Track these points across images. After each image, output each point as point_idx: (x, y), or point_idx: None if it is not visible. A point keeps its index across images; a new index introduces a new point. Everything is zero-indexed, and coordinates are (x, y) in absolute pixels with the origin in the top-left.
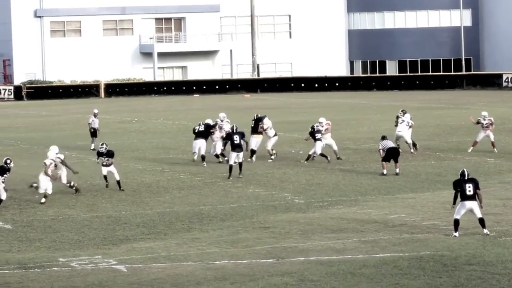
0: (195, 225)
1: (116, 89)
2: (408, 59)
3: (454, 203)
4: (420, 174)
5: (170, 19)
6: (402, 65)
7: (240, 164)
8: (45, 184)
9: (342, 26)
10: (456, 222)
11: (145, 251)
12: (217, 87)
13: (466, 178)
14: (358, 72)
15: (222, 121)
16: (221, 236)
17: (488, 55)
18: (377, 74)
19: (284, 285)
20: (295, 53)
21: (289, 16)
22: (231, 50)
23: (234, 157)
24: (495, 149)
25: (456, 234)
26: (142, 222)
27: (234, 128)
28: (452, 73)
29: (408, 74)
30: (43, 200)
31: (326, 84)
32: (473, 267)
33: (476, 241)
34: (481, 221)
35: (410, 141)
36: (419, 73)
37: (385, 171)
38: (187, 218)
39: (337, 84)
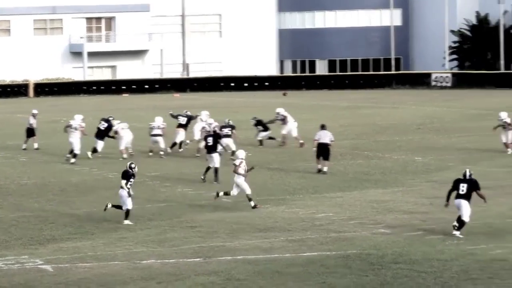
0: (122, 225)
1: (45, 89)
2: (338, 59)
3: (447, 200)
4: (348, 173)
5: (100, 18)
6: (332, 65)
7: (215, 170)
8: None
9: (273, 25)
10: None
11: (72, 251)
12: (146, 86)
13: (464, 178)
14: (288, 72)
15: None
16: (148, 236)
17: (418, 54)
18: (307, 74)
19: (211, 284)
20: (225, 53)
21: (220, 15)
22: (161, 50)
23: (209, 160)
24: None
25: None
26: (69, 222)
27: (212, 129)
28: (382, 72)
29: (338, 73)
30: None
31: (256, 84)
32: (400, 266)
33: (402, 239)
34: (461, 223)
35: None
36: (349, 73)
37: (319, 166)
38: (114, 218)
39: (266, 83)
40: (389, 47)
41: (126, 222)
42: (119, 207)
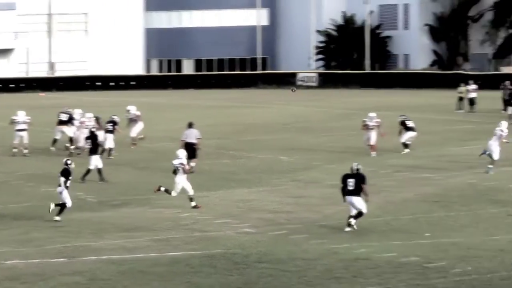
0: None
1: None
2: (204, 58)
3: (343, 196)
4: (214, 172)
5: None
6: (198, 64)
7: (99, 170)
8: None
9: (140, 24)
10: (350, 217)
11: None
12: (12, 85)
13: (351, 173)
14: (155, 71)
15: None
16: (12, 236)
17: (284, 54)
18: (174, 73)
19: (75, 285)
20: (92, 52)
21: (86, 14)
22: (27, 49)
23: (90, 161)
24: None
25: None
26: None
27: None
28: (248, 72)
29: (204, 73)
30: None
31: (122, 83)
32: (264, 265)
33: (267, 239)
34: (358, 214)
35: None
36: (215, 72)
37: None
38: None
39: (133, 82)
40: (255, 47)
41: (57, 218)
42: (62, 205)
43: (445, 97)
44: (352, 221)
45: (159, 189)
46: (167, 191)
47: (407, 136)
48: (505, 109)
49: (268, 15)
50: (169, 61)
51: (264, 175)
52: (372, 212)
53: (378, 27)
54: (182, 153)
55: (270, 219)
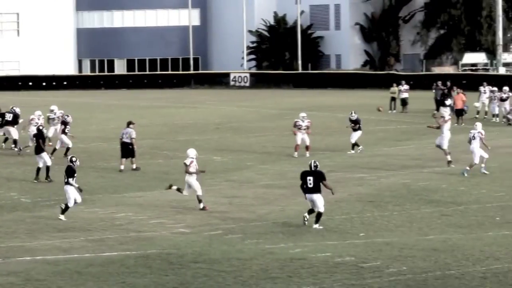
0: None
1: None
2: (136, 58)
3: (305, 194)
4: (148, 172)
5: None
6: (130, 64)
7: (47, 168)
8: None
9: (71, 24)
10: (310, 211)
11: None
12: None
13: (310, 170)
14: (87, 71)
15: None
16: None
17: (216, 54)
18: (106, 73)
19: (10, 285)
20: (23, 52)
21: (17, 14)
22: None
23: (38, 160)
24: None
25: (306, 215)
26: None
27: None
28: (181, 72)
29: (136, 73)
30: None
31: (54, 83)
32: (199, 265)
33: (202, 239)
34: (318, 215)
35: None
36: (147, 72)
37: (122, 167)
38: None
39: (65, 82)
40: (187, 47)
41: (61, 217)
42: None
43: (377, 98)
44: (316, 226)
45: (170, 187)
46: (179, 190)
47: (357, 136)
48: (437, 110)
49: (199, 15)
50: (101, 61)
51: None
52: (303, 213)
53: (309, 27)
54: (192, 152)
55: (205, 219)
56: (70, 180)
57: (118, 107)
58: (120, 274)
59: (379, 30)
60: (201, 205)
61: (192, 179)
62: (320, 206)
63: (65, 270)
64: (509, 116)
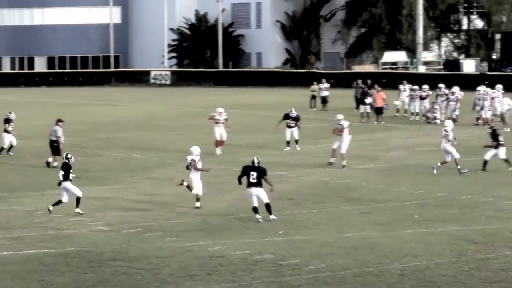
0: None
1: None
2: (57, 56)
3: (239, 183)
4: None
5: None
6: (51, 62)
7: None
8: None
9: None
10: (255, 209)
11: None
12: None
13: (253, 165)
14: (7, 68)
15: None
16: None
17: (137, 52)
18: (26, 71)
19: None
20: None
21: None
22: None
23: None
24: None
25: (258, 216)
26: None
27: None
28: (101, 69)
29: (56, 70)
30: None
31: None
32: (118, 263)
33: (121, 236)
34: (267, 206)
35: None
36: (68, 70)
37: (55, 164)
38: None
39: None
40: (108, 45)
41: (78, 210)
42: (59, 202)
43: (298, 96)
44: (271, 216)
45: (181, 183)
46: (189, 188)
47: (295, 133)
48: (357, 108)
49: (121, 13)
50: (21, 59)
51: (118, 173)
52: (225, 210)
53: (230, 25)
54: (196, 150)
55: (125, 217)
56: (61, 174)
57: (38, 105)
58: (38, 272)
59: (300, 29)
60: (198, 204)
61: (196, 177)
62: (265, 198)
63: None
64: (428, 114)
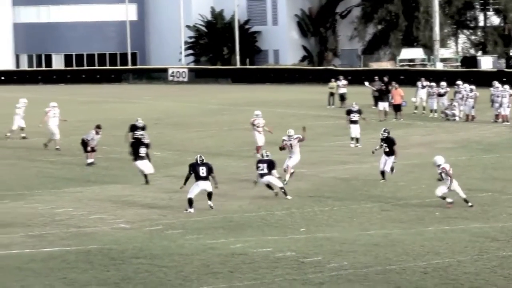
0: None
1: None
2: (74, 53)
3: (185, 183)
4: (87, 168)
5: None
6: (68, 59)
7: None
8: None
9: (8, 19)
10: (190, 200)
11: None
12: None
13: (199, 162)
14: (24, 66)
15: None
16: None
17: (154, 49)
18: (43, 68)
19: None
20: None
21: None
22: None
23: None
24: None
25: (191, 210)
26: None
27: None
28: (119, 67)
29: (74, 68)
30: None
31: None
32: (140, 260)
33: (143, 234)
34: (209, 195)
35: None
36: (85, 67)
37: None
38: None
39: (2, 78)
40: (125, 42)
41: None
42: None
43: (315, 93)
44: (209, 202)
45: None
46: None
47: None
48: (375, 105)
49: (137, 10)
50: (39, 56)
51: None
52: (246, 208)
53: (246, 22)
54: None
55: (145, 215)
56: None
57: (57, 102)
58: (61, 270)
59: (316, 25)
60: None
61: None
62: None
63: (5, 266)
64: (447, 111)
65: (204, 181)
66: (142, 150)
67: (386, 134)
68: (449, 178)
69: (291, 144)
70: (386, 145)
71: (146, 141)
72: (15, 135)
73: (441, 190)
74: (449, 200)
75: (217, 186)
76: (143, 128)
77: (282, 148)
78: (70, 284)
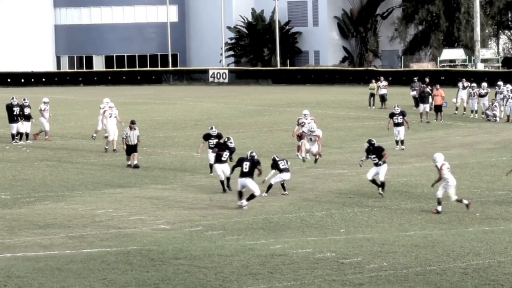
0: None
1: None
2: (115, 55)
3: (231, 172)
4: (127, 169)
5: None
6: (109, 61)
7: None
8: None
9: (49, 21)
10: (240, 193)
11: None
12: None
13: (247, 157)
14: (65, 67)
15: None
16: None
17: (194, 50)
18: (84, 70)
19: None
20: (1, 48)
21: None
22: None
23: None
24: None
25: (241, 202)
26: None
27: None
28: (159, 68)
29: (115, 69)
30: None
31: (33, 80)
32: (180, 261)
33: (183, 235)
34: (251, 196)
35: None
36: (126, 69)
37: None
38: None
39: (43, 79)
40: (166, 43)
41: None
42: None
43: (356, 94)
44: (244, 202)
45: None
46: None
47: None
48: (416, 106)
49: (177, 11)
50: (80, 58)
51: (178, 171)
52: (286, 208)
53: (287, 23)
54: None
55: (185, 216)
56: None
57: (97, 104)
58: (101, 271)
59: (357, 26)
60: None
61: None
62: (255, 188)
63: (46, 266)
64: (488, 112)
65: (244, 178)
66: (225, 154)
67: (371, 146)
68: (442, 176)
69: (310, 139)
70: (374, 155)
71: (231, 145)
72: (99, 136)
73: (440, 192)
74: (439, 208)
75: (261, 175)
76: (217, 137)
77: (300, 137)
78: (110, 285)
